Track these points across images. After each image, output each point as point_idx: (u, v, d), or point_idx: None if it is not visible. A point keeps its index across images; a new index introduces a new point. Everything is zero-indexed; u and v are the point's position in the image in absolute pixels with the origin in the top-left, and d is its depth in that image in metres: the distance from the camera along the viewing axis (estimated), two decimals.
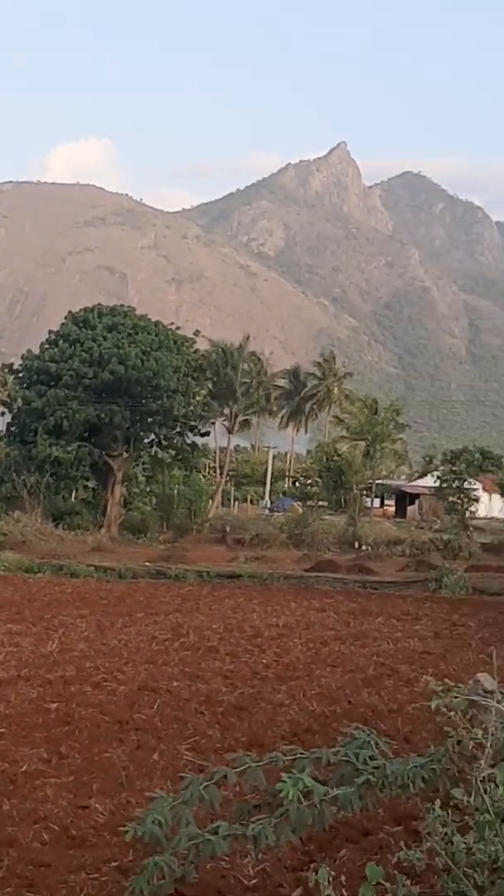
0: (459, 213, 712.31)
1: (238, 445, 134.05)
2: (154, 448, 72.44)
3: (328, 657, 20.80)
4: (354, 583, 39.20)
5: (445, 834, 5.91)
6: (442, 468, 71.32)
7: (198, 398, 72.86)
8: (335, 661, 20.34)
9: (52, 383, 65.07)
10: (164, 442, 71.38)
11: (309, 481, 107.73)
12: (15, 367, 75.24)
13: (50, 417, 63.74)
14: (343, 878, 6.32)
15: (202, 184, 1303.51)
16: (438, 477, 70.99)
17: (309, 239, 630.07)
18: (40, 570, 39.13)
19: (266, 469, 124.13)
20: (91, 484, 69.62)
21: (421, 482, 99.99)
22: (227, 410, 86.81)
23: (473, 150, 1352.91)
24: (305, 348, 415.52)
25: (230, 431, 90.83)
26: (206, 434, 79.01)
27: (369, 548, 57.64)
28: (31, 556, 43.28)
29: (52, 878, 8.28)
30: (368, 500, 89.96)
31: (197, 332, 78.91)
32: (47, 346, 69.69)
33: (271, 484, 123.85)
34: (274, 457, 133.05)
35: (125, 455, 67.92)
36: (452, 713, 6.59)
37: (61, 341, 68.14)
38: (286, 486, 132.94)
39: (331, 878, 5.73)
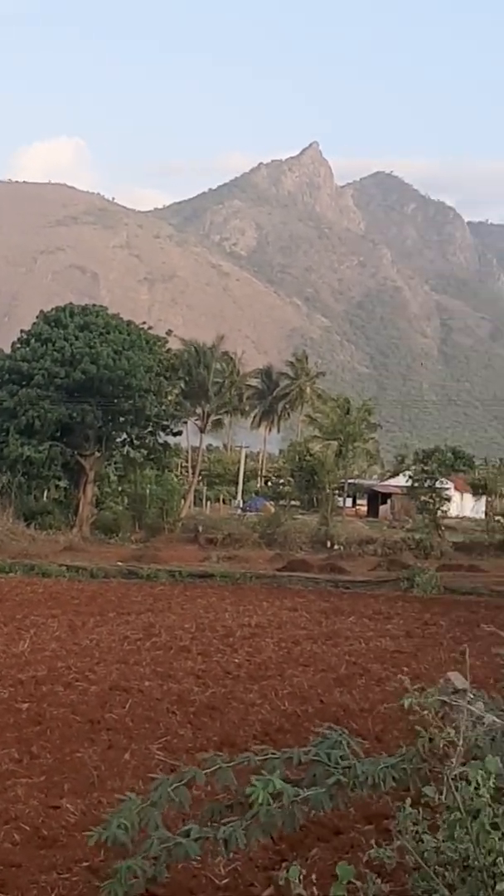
0: (431, 213, 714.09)
1: (210, 445, 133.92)
2: (126, 447, 72.30)
3: (300, 656, 20.83)
4: (326, 582, 39.27)
5: (416, 832, 5.92)
6: (414, 468, 71.44)
7: (170, 398, 72.81)
8: (307, 660, 20.37)
9: (24, 383, 64.86)
10: (136, 441, 71.27)
11: (281, 481, 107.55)
12: None
13: (21, 417, 63.55)
14: (314, 876, 6.32)
15: (174, 183, 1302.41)
16: (410, 476, 71.06)
17: (281, 238, 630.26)
18: (12, 569, 39.01)
19: (238, 469, 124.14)
20: (63, 483, 69.40)
21: (393, 482, 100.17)
22: (199, 410, 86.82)
23: (445, 150, 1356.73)
24: (278, 348, 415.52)
25: (202, 431, 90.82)
26: (179, 433, 78.94)
27: (341, 547, 57.71)
28: (3, 555, 43.15)
29: (22, 879, 8.26)
30: (341, 499, 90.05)
31: (169, 332, 78.82)
32: (19, 345, 69.47)
33: (244, 483, 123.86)
34: (246, 456, 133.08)
35: (97, 454, 67.78)
36: (424, 712, 6.60)
37: (33, 341, 67.94)
38: (258, 485, 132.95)
39: (302, 877, 5.73)
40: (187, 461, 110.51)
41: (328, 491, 73.23)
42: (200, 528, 64.52)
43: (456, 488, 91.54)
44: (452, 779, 5.87)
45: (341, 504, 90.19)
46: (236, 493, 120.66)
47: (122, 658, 19.66)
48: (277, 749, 8.14)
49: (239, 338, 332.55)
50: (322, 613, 28.99)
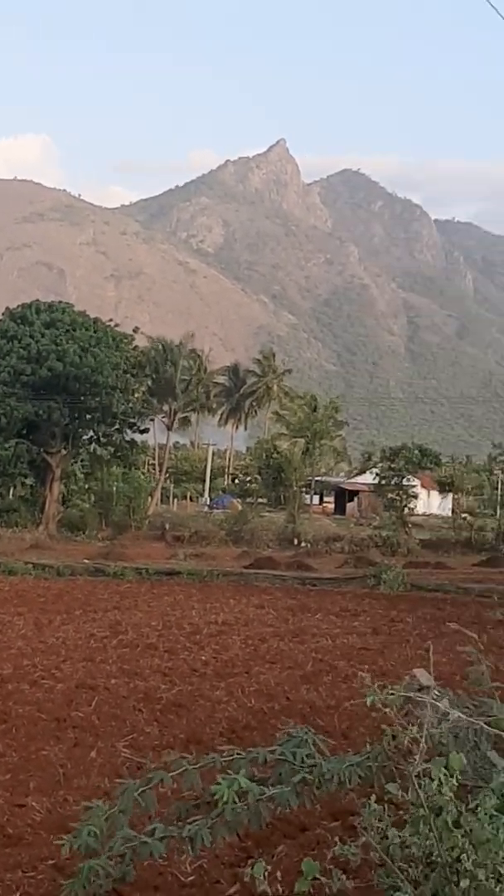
0: (398, 210, 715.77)
1: (177, 442, 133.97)
2: (93, 445, 72.13)
3: (267, 654, 20.84)
4: (293, 579, 39.31)
5: (380, 829, 5.94)
6: (381, 465, 71.60)
7: (137, 395, 72.65)
8: (274, 657, 20.38)
9: None
10: (102, 439, 71.10)
11: (248, 478, 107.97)
12: None
13: None
14: (280, 873, 6.34)
15: (141, 180, 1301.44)
16: (377, 474, 71.28)
17: (248, 236, 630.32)
18: None
19: (205, 466, 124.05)
20: (29, 481, 69.23)
21: (360, 479, 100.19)
22: (166, 407, 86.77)
23: (412, 148, 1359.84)
24: (245, 345, 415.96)
25: (169, 428, 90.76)
26: (146, 431, 78.79)
27: (308, 544, 57.85)
28: None
29: None
30: (308, 496, 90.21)
31: (136, 329, 78.61)
32: None
33: (211, 481, 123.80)
34: (213, 454, 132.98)
35: (63, 452, 67.59)
36: (388, 709, 6.62)
37: None
38: (226, 483, 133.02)
39: (267, 874, 5.75)
40: (154, 459, 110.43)
41: (295, 488, 73.34)
42: (167, 526, 64.50)
43: (423, 485, 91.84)
44: (416, 776, 5.89)
45: (308, 501, 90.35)
46: (203, 490, 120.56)
47: (89, 656, 19.62)
48: (244, 746, 8.16)
49: (206, 335, 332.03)
50: (289, 610, 29.02)
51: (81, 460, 74.10)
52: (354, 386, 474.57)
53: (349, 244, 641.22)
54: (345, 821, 9.38)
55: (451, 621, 17.87)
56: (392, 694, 6.63)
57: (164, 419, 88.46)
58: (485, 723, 7.65)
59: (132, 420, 71.40)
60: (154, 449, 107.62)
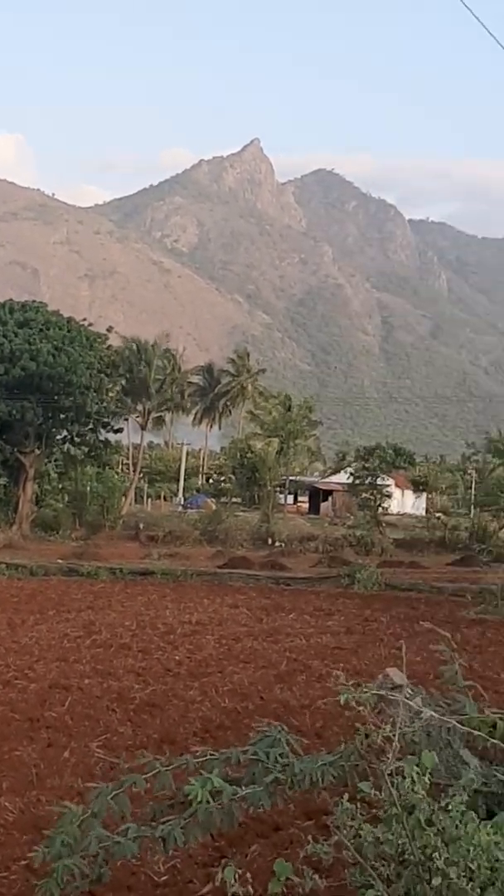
0: (372, 210, 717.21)
1: (151, 442, 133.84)
2: (66, 445, 71.79)
3: (241, 653, 20.84)
4: (267, 579, 39.34)
5: (352, 827, 5.95)
6: (355, 465, 71.68)
7: (111, 395, 72.38)
8: (248, 657, 20.39)
9: None
10: (76, 439, 70.78)
11: (222, 478, 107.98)
12: None
13: None
14: (253, 873, 6.34)
15: (115, 179, 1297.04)
16: (352, 473, 71.35)
17: (223, 235, 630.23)
18: None
19: (180, 466, 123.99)
20: (2, 481, 68.81)
21: (334, 479, 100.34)
22: (140, 407, 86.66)
23: (385, 148, 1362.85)
24: (219, 345, 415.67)
25: (143, 428, 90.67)
26: (120, 431, 78.52)
27: (282, 544, 57.83)
28: None
29: None
30: (282, 496, 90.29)
31: (110, 329, 78.33)
32: None
33: (185, 481, 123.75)
34: (188, 453, 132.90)
35: (37, 452, 67.28)
36: (362, 708, 6.63)
37: None
38: (200, 482, 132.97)
39: (238, 875, 5.75)
40: (128, 458, 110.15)
41: (269, 488, 73.34)
42: (141, 526, 64.41)
43: (397, 485, 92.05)
44: (389, 774, 5.90)
45: (282, 501, 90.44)
46: (177, 490, 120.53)
47: (62, 656, 19.59)
48: (218, 746, 8.16)
49: (180, 335, 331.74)
50: (263, 610, 29.03)
51: (55, 460, 73.77)
52: (329, 385, 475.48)
53: (323, 244, 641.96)
54: (318, 820, 9.40)
55: (424, 620, 17.93)
56: (365, 692, 6.65)
57: (138, 419, 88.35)
58: (457, 721, 7.68)
59: (106, 420, 71.14)
60: (128, 449, 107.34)
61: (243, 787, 7.09)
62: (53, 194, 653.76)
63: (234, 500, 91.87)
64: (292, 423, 75.57)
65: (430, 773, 5.81)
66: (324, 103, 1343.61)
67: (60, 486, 73.63)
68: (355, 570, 38.49)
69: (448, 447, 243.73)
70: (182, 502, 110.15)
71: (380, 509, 68.72)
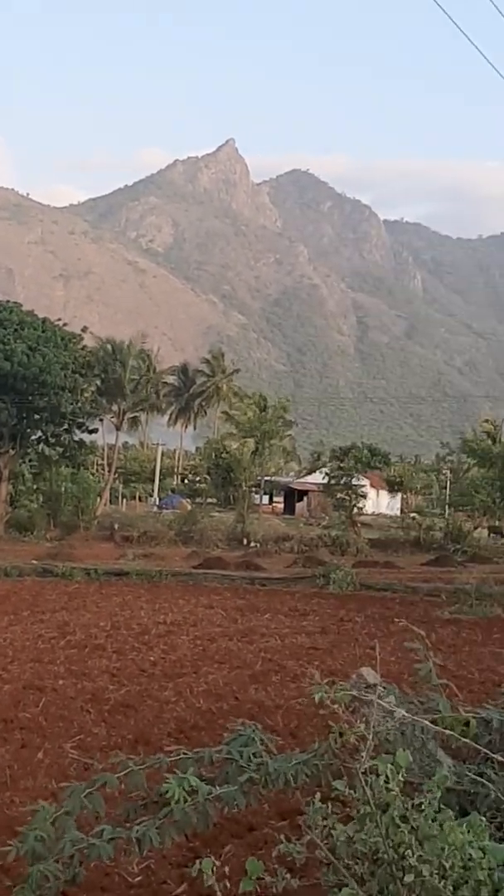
0: (347, 210, 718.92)
1: (126, 442, 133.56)
2: (41, 445, 71.61)
3: (215, 654, 20.82)
4: (243, 579, 39.30)
5: (325, 827, 5.95)
6: (330, 465, 71.87)
7: (86, 395, 72.22)
8: (222, 657, 20.37)
9: None
10: (51, 439, 70.61)
11: (198, 478, 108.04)
12: None
13: None
14: (227, 870, 6.33)
15: (90, 179, 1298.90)
16: (327, 473, 71.53)
17: (198, 235, 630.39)
18: None
19: (154, 466, 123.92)
20: None
21: (309, 479, 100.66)
22: (115, 407, 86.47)
23: (360, 149, 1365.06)
24: (194, 345, 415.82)
25: (118, 428, 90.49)
26: (94, 431, 78.36)
27: (258, 544, 57.88)
28: None
29: None
30: (257, 496, 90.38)
31: (84, 329, 78.18)
32: None
33: (160, 481, 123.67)
34: (163, 454, 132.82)
35: (11, 452, 67.11)
36: (335, 707, 6.63)
37: None
38: (175, 483, 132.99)
39: (215, 868, 5.75)
40: (103, 459, 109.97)
41: (245, 488, 73.37)
42: (116, 526, 64.31)
43: (372, 485, 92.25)
44: (363, 773, 5.91)
45: (258, 501, 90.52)
46: (152, 490, 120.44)
47: (36, 657, 19.52)
48: (192, 747, 8.15)
49: (155, 335, 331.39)
50: (238, 610, 29.02)
51: (29, 460, 73.59)
52: (304, 386, 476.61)
53: (298, 244, 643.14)
54: (293, 820, 9.39)
55: (398, 619, 17.96)
56: (339, 692, 6.65)
57: (113, 419, 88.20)
58: (431, 720, 7.69)
59: (81, 420, 71.01)
60: (103, 449, 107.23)
61: (217, 787, 7.08)
62: (28, 194, 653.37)
63: (209, 500, 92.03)
64: (267, 423, 75.56)
65: (404, 772, 5.82)
66: (299, 104, 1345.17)
67: (35, 486, 73.44)
68: (330, 570, 38.50)
69: (423, 447, 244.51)
70: (157, 503, 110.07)
71: (355, 509, 68.89)
